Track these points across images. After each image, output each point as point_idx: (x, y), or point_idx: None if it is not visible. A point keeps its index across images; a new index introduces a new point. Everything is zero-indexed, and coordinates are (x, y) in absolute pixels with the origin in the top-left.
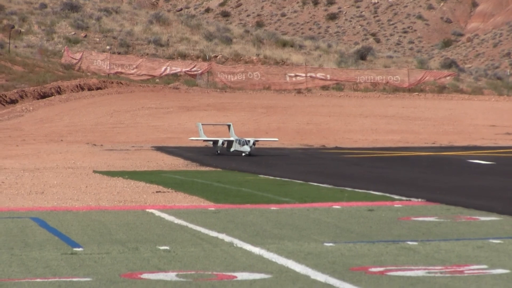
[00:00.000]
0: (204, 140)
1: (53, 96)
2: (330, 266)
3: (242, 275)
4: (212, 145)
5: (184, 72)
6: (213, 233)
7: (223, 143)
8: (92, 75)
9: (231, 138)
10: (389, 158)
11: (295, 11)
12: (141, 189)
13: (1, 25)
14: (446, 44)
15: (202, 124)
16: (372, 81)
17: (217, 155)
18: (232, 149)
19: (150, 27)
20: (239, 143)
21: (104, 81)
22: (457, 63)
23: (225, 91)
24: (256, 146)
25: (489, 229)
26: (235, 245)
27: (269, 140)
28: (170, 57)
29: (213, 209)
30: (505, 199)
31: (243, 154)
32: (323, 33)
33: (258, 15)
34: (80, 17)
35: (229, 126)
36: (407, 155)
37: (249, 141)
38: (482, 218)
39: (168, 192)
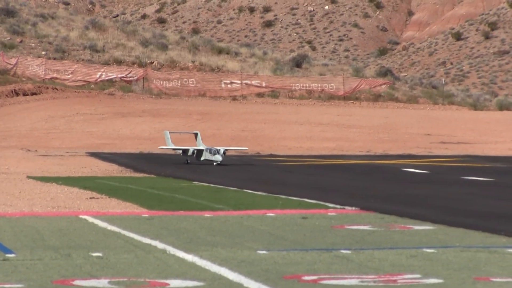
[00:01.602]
0: (174, 149)
1: None
2: (263, 274)
3: (174, 282)
4: (181, 154)
5: (120, 78)
6: (146, 240)
7: (193, 152)
8: (28, 81)
9: (201, 147)
10: (324, 166)
11: (231, 18)
12: (75, 195)
13: None
14: (382, 52)
15: (169, 133)
16: (307, 88)
17: (186, 164)
18: (202, 158)
19: (86, 33)
20: (210, 152)
21: (39, 87)
22: (393, 71)
23: (161, 98)
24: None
25: (422, 238)
26: (168, 252)
27: (239, 149)
28: (106, 63)
29: (146, 215)
30: (439, 208)
31: (214, 164)
32: (259, 40)
33: (194, 21)
34: (16, 22)
35: (196, 134)
36: (341, 163)
37: (219, 150)
38: (416, 227)
39: (102, 198)
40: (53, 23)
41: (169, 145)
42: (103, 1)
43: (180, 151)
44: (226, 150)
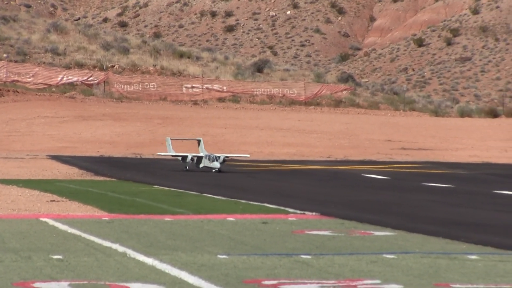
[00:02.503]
0: (173, 156)
1: None
2: (223, 278)
3: (135, 286)
4: (181, 161)
5: (81, 81)
6: (107, 243)
7: (192, 159)
8: None
9: (200, 154)
10: (284, 171)
11: (192, 23)
12: (36, 198)
13: None
14: (343, 58)
15: (171, 139)
16: (268, 93)
17: (186, 171)
18: (201, 165)
19: (48, 36)
20: (209, 159)
21: (0, 89)
22: (354, 77)
23: (122, 101)
24: (153, 157)
25: (383, 244)
26: (128, 256)
27: (240, 156)
28: (67, 66)
29: (107, 219)
30: (399, 214)
31: (213, 171)
32: (221, 45)
33: (156, 26)
34: None
35: (199, 141)
36: (302, 168)
37: (219, 157)
38: (376, 233)
39: (63, 201)
40: (15, 25)
41: (170, 152)
42: (65, 4)
43: (180, 158)
44: (227, 157)
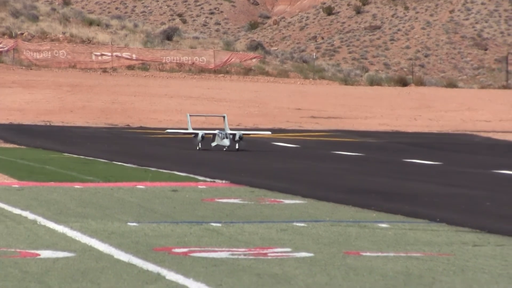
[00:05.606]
0: (184, 133)
1: None
2: (133, 246)
3: (45, 253)
4: (193, 138)
5: None
6: (17, 211)
7: (202, 137)
8: None
9: (215, 131)
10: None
11: None
12: None
13: None
14: (253, 26)
15: (190, 115)
16: (178, 61)
17: (199, 150)
18: (213, 144)
19: None
20: (220, 137)
21: None
22: (264, 45)
23: (31, 69)
24: (62, 124)
25: (293, 212)
26: (38, 223)
27: (260, 133)
28: None
29: (16, 186)
30: (309, 182)
31: (224, 149)
32: (130, 12)
33: None
34: None
35: (224, 117)
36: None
37: (234, 134)
38: (286, 201)
39: None
40: None
41: (189, 129)
42: None
43: (192, 135)
44: (245, 134)
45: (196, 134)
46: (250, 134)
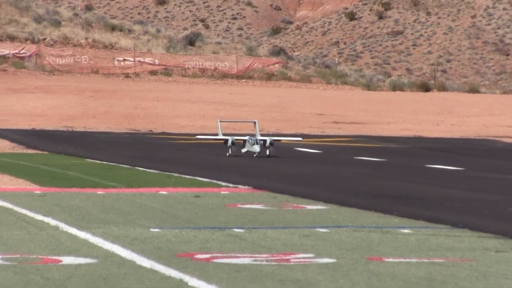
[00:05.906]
0: (214, 139)
1: None
2: (156, 252)
3: (67, 259)
4: (224, 144)
5: (13, 54)
6: (39, 217)
7: (233, 142)
8: None
9: (245, 137)
10: (217, 145)
11: None
12: None
13: None
14: (275, 31)
15: (220, 121)
16: (200, 67)
17: (229, 156)
18: (244, 150)
19: None
20: (250, 143)
21: None
22: (286, 50)
23: (53, 74)
24: (85, 130)
25: (315, 218)
26: (60, 229)
27: (292, 140)
28: None
29: (39, 192)
30: (331, 188)
31: (254, 155)
32: (152, 17)
33: None
34: None
35: (254, 123)
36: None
37: (265, 140)
38: (309, 207)
39: None
40: None
41: (219, 135)
42: None
43: (222, 142)
44: (276, 140)
45: (226, 140)
46: (281, 140)
